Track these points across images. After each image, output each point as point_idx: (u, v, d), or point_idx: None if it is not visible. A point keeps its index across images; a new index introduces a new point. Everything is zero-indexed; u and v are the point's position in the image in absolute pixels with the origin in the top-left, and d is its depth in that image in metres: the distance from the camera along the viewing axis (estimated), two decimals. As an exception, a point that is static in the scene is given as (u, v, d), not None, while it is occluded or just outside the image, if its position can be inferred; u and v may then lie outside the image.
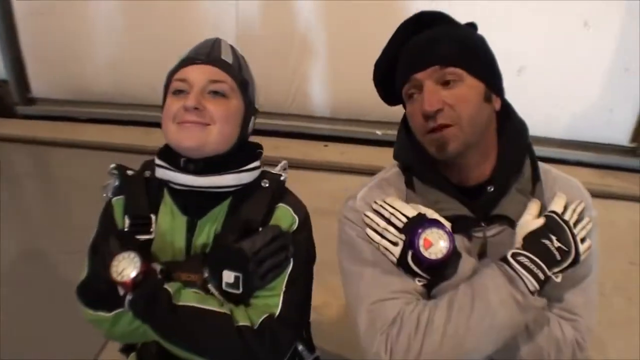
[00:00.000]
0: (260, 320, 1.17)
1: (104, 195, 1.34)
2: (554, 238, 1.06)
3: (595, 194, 3.49)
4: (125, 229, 1.27)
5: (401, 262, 1.10)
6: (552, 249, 1.05)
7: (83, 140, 4.11)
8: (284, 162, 1.39)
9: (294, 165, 2.94)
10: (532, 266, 1.03)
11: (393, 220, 1.12)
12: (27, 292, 2.78)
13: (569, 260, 1.06)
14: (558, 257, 1.05)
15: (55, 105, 4.42)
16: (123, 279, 1.12)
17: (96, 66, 4.22)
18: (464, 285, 1.07)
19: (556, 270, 1.05)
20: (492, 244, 1.15)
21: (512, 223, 1.15)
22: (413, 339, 1.04)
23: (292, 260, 1.23)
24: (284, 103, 4.04)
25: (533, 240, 1.06)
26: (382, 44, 1.37)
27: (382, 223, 1.13)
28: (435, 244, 1.06)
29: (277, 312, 1.19)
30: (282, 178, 1.34)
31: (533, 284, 1.02)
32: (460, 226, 1.14)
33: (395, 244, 1.11)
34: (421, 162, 1.19)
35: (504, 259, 1.05)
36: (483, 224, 1.15)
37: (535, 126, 3.87)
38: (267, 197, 1.28)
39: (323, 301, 2.04)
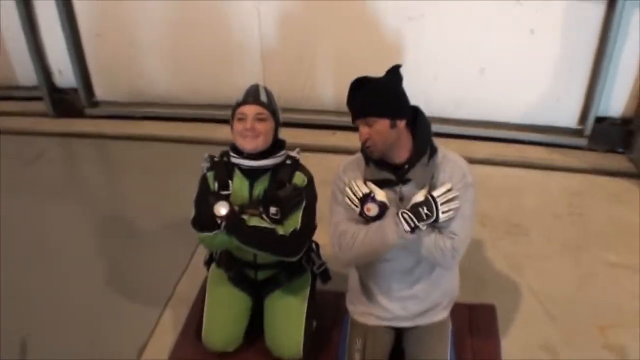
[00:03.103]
0: (290, 231, 2.09)
1: (202, 171, 2.21)
2: (425, 207, 1.82)
3: (542, 167, 4.10)
4: (216, 190, 2.16)
5: (360, 215, 1.92)
6: (422, 213, 1.82)
7: (140, 134, 4.67)
8: (297, 148, 2.26)
9: (309, 149, 3.48)
10: (408, 219, 1.82)
11: (357, 195, 1.91)
12: (87, 275, 3.09)
13: (431, 220, 1.83)
14: (424, 217, 1.82)
15: (116, 106, 4.93)
16: (221, 214, 1.98)
17: (149, 75, 4.74)
18: (376, 223, 1.89)
19: (422, 223, 1.82)
20: (405, 195, 1.92)
21: (417, 185, 1.90)
22: (344, 240, 1.94)
23: (304, 201, 2.13)
24: (300, 101, 4.54)
25: (414, 207, 1.83)
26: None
27: (351, 195, 1.92)
28: (372, 209, 1.89)
29: (299, 227, 2.11)
30: (297, 158, 2.22)
31: (405, 228, 1.82)
32: (388, 184, 1.92)
33: (357, 206, 1.92)
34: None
35: (397, 213, 1.83)
36: (400, 184, 1.93)
37: (496, 113, 4.61)
38: (290, 169, 2.18)
39: (324, 242, 2.40)
